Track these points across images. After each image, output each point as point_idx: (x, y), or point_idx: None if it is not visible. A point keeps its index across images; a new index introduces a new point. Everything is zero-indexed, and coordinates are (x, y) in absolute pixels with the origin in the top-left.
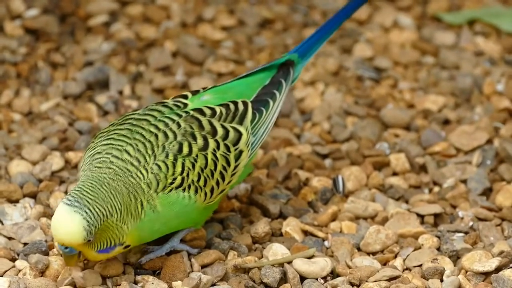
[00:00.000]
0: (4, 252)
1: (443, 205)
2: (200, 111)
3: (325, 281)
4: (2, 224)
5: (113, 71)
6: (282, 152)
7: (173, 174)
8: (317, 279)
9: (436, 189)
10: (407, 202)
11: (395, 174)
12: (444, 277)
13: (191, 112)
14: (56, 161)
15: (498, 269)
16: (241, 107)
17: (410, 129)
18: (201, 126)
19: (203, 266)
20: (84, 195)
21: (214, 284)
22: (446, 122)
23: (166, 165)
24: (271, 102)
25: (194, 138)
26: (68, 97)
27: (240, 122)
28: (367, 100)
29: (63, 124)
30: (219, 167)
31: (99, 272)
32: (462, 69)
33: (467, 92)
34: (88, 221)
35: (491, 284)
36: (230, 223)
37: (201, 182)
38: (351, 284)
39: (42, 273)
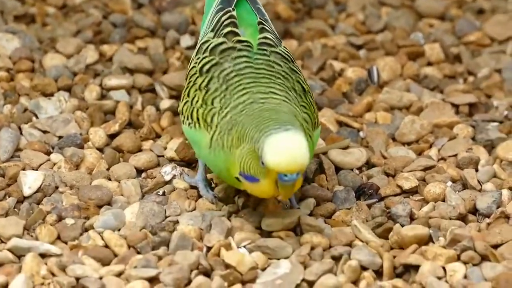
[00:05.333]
0: (39, 146)
1: (478, 95)
2: (268, 45)
3: (360, 172)
4: (37, 117)
5: None
6: (317, 43)
7: (313, 112)
8: (352, 169)
9: (470, 78)
10: (441, 92)
11: (429, 64)
12: (479, 167)
13: (268, 49)
14: (90, 54)
15: None
16: (269, 26)
17: (444, 19)
18: (285, 58)
19: None
20: (283, 118)
21: None
22: (480, 11)
23: (307, 104)
24: (261, 7)
25: (294, 72)
26: None
27: (280, 41)
28: None
29: (97, 17)
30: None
31: None
32: None
33: None
34: (306, 139)
35: None
36: None
37: (316, 112)
38: (386, 174)
39: (77, 166)
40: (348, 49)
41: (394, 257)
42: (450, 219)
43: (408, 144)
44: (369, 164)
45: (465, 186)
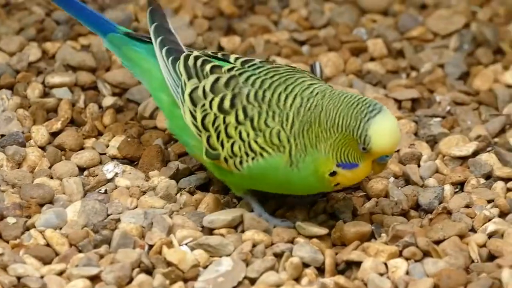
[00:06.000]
0: None
1: (421, 90)
2: (248, 59)
3: None
4: None
5: None
6: (260, 39)
7: None
8: None
9: (413, 74)
10: (384, 87)
11: (372, 59)
12: (421, 162)
13: (256, 60)
14: (33, 52)
15: (475, 154)
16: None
17: (387, 14)
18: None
19: (180, 155)
20: (362, 97)
21: (191, 173)
22: (423, 6)
23: None
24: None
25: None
26: None
27: None
28: None
29: (40, 15)
30: None
31: None
32: None
33: None
34: None
35: (468, 168)
36: None
37: None
38: None
39: (19, 164)
40: (291, 45)
41: (336, 253)
42: (393, 215)
43: None
44: None
45: (408, 181)
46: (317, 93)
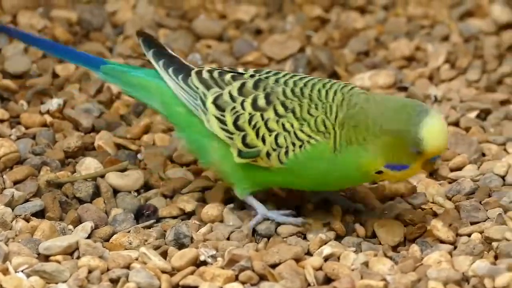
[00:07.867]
0: None
1: None
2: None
3: (139, 194)
4: None
5: None
6: None
7: None
8: (130, 192)
9: None
10: None
11: None
12: None
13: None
14: None
15: None
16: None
17: (222, 40)
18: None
19: (15, 183)
20: (404, 100)
21: (27, 200)
22: (258, 31)
23: None
24: None
25: None
26: None
27: None
28: (179, 12)
29: None
30: None
31: None
32: None
33: (279, 2)
34: None
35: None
36: (42, 138)
37: None
38: (164, 196)
39: None
40: None
41: (173, 278)
42: (228, 239)
43: (186, 165)
44: (147, 186)
45: (243, 206)
46: (359, 93)
